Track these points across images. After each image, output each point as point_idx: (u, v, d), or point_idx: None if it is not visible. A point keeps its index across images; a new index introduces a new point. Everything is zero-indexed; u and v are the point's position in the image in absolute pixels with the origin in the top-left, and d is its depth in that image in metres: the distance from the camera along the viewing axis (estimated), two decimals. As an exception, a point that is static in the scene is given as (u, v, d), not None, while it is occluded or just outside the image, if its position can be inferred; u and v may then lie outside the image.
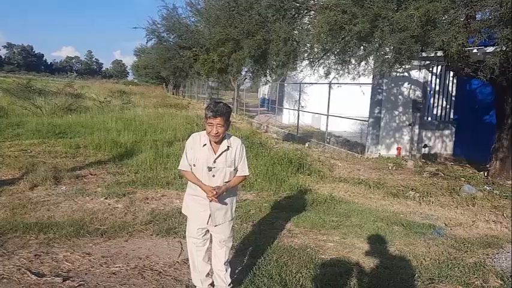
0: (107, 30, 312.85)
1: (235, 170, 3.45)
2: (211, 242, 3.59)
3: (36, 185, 6.96)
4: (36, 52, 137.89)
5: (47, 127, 12.81)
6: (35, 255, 4.28)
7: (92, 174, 8.04)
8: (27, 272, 3.86)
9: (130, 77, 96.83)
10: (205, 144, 3.33)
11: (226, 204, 3.46)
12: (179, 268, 4.18)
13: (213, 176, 3.33)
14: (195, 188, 3.41)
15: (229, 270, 3.63)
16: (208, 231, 3.52)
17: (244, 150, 3.51)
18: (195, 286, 3.63)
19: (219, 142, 3.34)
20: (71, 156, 9.59)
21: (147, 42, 28.21)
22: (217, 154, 3.34)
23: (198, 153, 3.35)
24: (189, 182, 3.50)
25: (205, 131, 3.38)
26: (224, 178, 3.38)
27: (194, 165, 3.35)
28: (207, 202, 3.36)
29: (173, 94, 47.49)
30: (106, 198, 6.44)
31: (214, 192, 3.26)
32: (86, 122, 14.44)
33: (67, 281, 3.74)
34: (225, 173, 3.38)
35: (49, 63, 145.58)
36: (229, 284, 3.59)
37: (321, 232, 5.46)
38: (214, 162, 3.33)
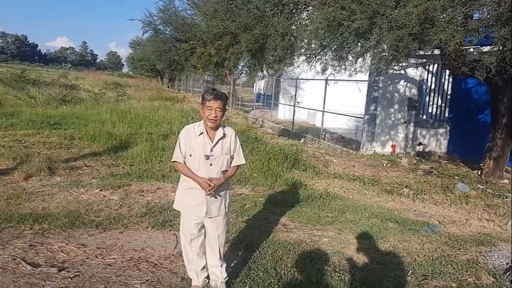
0: (102, 21, 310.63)
1: (231, 157, 3.46)
2: (205, 236, 3.58)
3: (31, 176, 6.91)
4: (30, 42, 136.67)
5: (41, 118, 12.73)
6: (30, 246, 4.26)
7: (86, 166, 8.00)
8: (22, 262, 3.84)
9: (125, 69, 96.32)
10: (201, 133, 3.33)
11: (220, 196, 3.46)
12: (175, 260, 4.18)
13: (211, 164, 3.33)
14: (190, 180, 3.38)
15: (224, 264, 3.62)
16: (203, 226, 3.51)
17: (238, 139, 3.54)
18: (191, 279, 3.63)
19: (215, 129, 3.35)
20: (65, 147, 9.54)
21: (143, 35, 28.10)
22: (214, 142, 3.34)
23: (193, 143, 3.33)
24: (182, 174, 3.49)
25: (198, 123, 3.40)
26: (222, 167, 3.38)
27: (190, 155, 3.33)
28: (203, 194, 3.34)
29: (168, 87, 47.27)
30: (101, 190, 6.41)
31: (212, 185, 3.26)
32: (81, 114, 14.37)
33: (62, 272, 3.73)
34: (222, 161, 3.38)
35: (43, 53, 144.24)
36: (225, 278, 3.60)
37: (316, 227, 5.49)
38: (211, 150, 3.33)
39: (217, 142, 3.35)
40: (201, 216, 3.42)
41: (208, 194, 3.29)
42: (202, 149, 3.31)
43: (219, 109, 3.25)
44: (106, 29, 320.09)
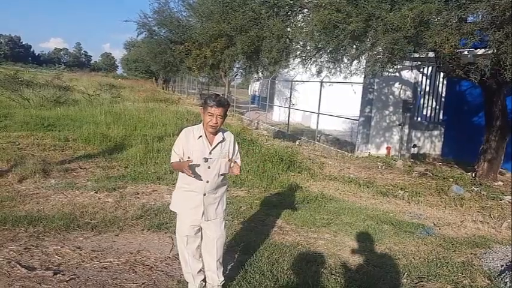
0: (97, 22, 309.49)
1: (230, 161, 3.46)
2: (201, 239, 3.56)
3: (25, 178, 6.87)
4: (23, 43, 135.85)
5: (35, 119, 12.66)
6: (25, 249, 4.24)
7: (81, 168, 7.96)
8: (17, 265, 3.81)
9: (119, 71, 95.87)
10: (200, 136, 3.33)
11: (217, 199, 3.46)
12: (171, 263, 4.17)
13: (209, 167, 3.33)
14: (188, 182, 3.36)
15: (221, 267, 3.62)
16: (200, 228, 3.50)
17: (237, 144, 3.57)
18: (187, 282, 3.62)
19: (214, 133, 3.36)
20: (59, 149, 9.49)
21: (137, 36, 27.76)
22: (213, 145, 3.35)
23: (192, 145, 3.33)
24: (181, 176, 3.46)
25: (197, 125, 3.40)
26: (220, 170, 3.39)
27: (189, 158, 3.32)
28: (201, 197, 3.35)
29: (163, 89, 47.14)
30: (96, 192, 6.38)
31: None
32: (75, 115, 14.32)
33: (58, 275, 3.71)
34: (220, 164, 3.38)
35: (37, 54, 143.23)
36: (222, 281, 3.59)
37: (311, 230, 5.49)
38: (210, 153, 3.34)
39: (216, 145, 3.36)
40: (198, 219, 3.41)
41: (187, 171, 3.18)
42: (201, 151, 3.31)
43: (220, 116, 3.25)
44: (100, 30, 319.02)
